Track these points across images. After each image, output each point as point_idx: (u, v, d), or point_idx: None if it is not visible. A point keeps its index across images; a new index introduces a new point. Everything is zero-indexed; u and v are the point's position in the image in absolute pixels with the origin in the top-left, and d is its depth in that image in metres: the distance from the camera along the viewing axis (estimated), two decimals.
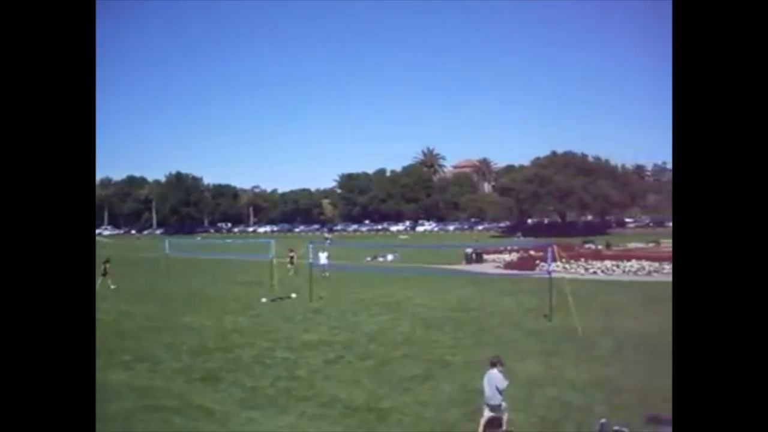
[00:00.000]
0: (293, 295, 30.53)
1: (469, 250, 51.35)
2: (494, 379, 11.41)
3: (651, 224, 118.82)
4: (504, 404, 11.43)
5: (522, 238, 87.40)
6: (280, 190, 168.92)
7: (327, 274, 38.50)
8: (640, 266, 38.65)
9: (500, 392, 11.31)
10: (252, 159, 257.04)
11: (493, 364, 11.63)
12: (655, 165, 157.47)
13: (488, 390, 11.40)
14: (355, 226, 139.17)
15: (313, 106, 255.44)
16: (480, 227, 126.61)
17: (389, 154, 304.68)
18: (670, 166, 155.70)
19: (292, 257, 41.44)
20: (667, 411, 12.55)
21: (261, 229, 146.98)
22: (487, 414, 11.42)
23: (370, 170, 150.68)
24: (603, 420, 11.59)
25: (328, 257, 41.22)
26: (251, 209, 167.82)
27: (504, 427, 11.42)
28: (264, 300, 29.37)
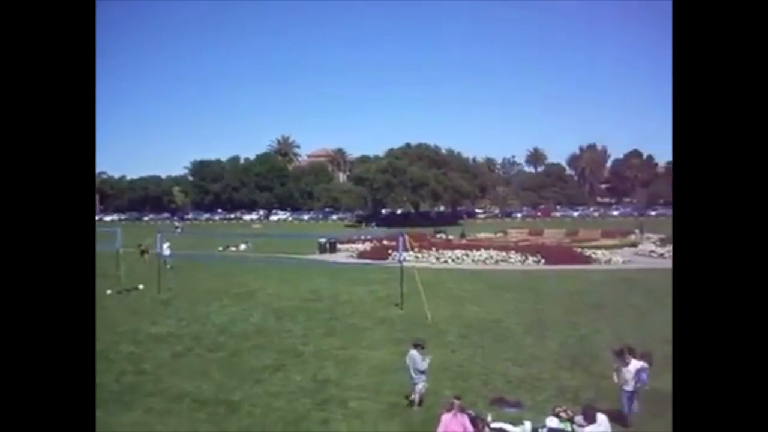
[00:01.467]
0: (140, 287, 29.41)
1: (322, 240, 51.37)
2: (415, 359, 12.49)
3: (500, 215, 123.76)
4: (421, 384, 12.51)
5: (375, 228, 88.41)
6: (128, 177, 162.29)
7: (170, 266, 36.66)
8: (488, 255, 40.08)
9: (421, 372, 12.44)
10: (98, 144, 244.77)
11: (415, 346, 12.72)
12: (504, 159, 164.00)
13: (410, 369, 12.54)
14: (207, 215, 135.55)
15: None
16: (334, 217, 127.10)
17: (244, 141, 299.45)
18: (519, 160, 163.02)
19: (144, 249, 39.98)
20: (510, 393, 13.16)
21: (107, 218, 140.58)
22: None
23: (224, 157, 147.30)
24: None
25: (170, 247, 39.23)
26: (97, 197, 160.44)
27: (416, 401, 12.51)
28: (109, 292, 28.07)
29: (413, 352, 12.67)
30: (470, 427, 7.69)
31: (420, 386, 12.57)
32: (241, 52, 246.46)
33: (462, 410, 9.74)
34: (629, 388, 11.63)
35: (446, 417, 8.83)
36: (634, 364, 11.71)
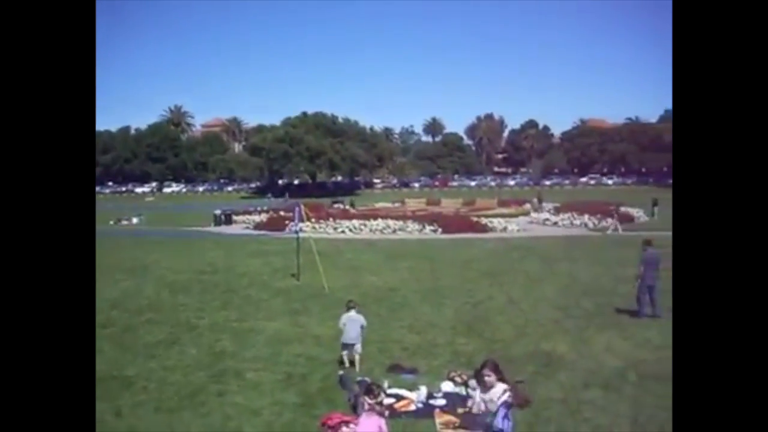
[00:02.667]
0: None
1: (218, 212, 50.48)
2: (356, 320, 12.82)
3: (398, 185, 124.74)
4: (359, 345, 12.80)
5: (272, 199, 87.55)
6: None
7: None
8: (385, 225, 40.36)
9: (362, 329, 12.85)
10: None
11: (350, 308, 13.00)
12: (403, 128, 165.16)
13: (352, 330, 12.73)
14: (97, 188, 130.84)
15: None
16: (230, 188, 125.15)
17: (135, 111, 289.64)
18: (417, 129, 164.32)
19: None
20: (406, 360, 13.28)
21: None
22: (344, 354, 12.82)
23: (113, 128, 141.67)
24: (341, 372, 12.05)
25: None
26: None
27: (357, 368, 12.56)
28: None
29: (352, 313, 12.93)
30: (385, 428, 7.72)
31: (357, 347, 12.82)
32: (131, 18, 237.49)
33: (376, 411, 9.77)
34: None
35: (363, 417, 8.85)
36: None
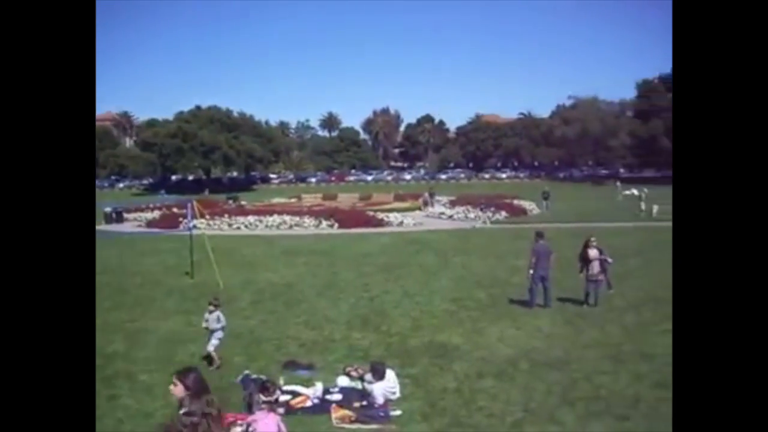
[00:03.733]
0: None
1: (108, 209, 48.61)
2: (221, 316, 12.75)
3: (294, 180, 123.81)
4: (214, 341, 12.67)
5: (166, 196, 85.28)
6: None
7: None
8: (282, 221, 40.06)
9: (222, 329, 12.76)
10: None
11: (216, 306, 12.85)
12: (299, 122, 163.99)
13: (218, 325, 12.67)
14: None
15: None
16: (121, 185, 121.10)
17: None
18: (313, 124, 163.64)
19: None
20: (302, 356, 13.20)
21: None
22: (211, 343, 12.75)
23: None
24: (246, 372, 11.84)
25: None
26: None
27: (216, 363, 12.51)
28: None
29: (218, 312, 12.80)
30: (282, 426, 7.64)
31: (217, 342, 12.69)
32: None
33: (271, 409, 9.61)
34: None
35: (258, 416, 8.71)
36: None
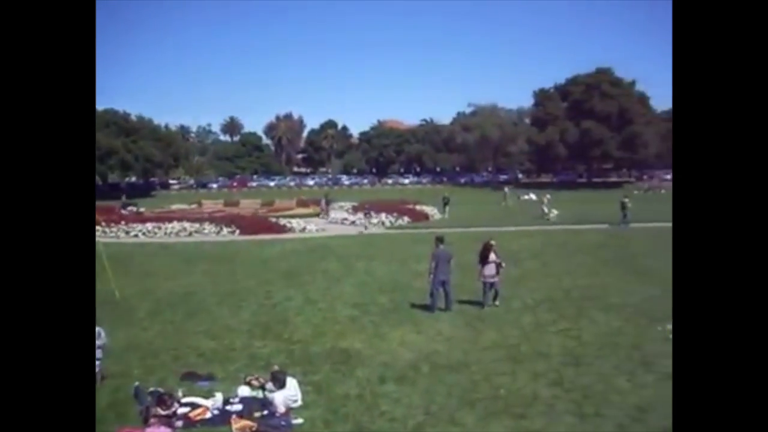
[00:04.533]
0: None
1: None
2: (101, 332, 12.10)
3: (195, 186, 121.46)
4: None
5: None
6: None
7: None
8: (181, 227, 39.15)
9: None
10: None
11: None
12: (199, 127, 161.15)
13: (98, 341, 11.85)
14: None
15: None
16: None
17: None
18: (214, 128, 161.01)
19: None
20: (202, 367, 12.93)
21: None
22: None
23: None
24: (137, 383, 11.47)
25: None
26: None
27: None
28: None
29: (99, 329, 12.09)
30: None
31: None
32: None
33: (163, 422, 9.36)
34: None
35: (151, 429, 8.46)
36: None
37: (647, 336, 14.26)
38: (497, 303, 17.47)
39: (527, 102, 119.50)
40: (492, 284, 17.46)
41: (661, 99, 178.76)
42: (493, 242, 17.88)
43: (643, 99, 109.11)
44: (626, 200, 40.75)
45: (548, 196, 49.62)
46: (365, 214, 44.08)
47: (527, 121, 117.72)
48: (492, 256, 17.45)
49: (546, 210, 45.76)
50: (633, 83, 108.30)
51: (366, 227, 40.51)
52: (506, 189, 72.09)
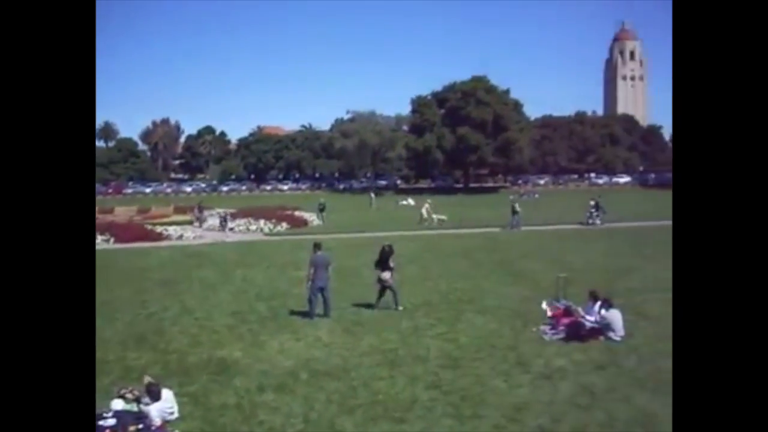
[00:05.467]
0: None
1: None
2: None
3: None
4: None
5: None
6: None
7: None
8: None
9: None
10: None
11: None
12: None
13: None
14: None
15: None
16: None
17: None
18: None
19: None
20: None
21: None
22: None
23: None
24: None
25: None
26: None
27: None
28: None
29: None
30: None
31: None
32: None
33: None
34: None
35: None
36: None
37: (522, 337, 14.77)
38: (400, 307, 17.75)
39: (405, 109, 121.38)
40: (390, 287, 17.75)
41: (533, 105, 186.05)
42: (388, 245, 18.21)
43: (517, 106, 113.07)
44: (516, 204, 42.71)
45: (429, 201, 50.61)
46: (221, 221, 43.83)
47: (405, 127, 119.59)
48: (391, 261, 17.75)
49: (426, 215, 46.56)
50: (507, 91, 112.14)
51: (224, 231, 40.43)
52: (372, 194, 73.46)
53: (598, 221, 42.86)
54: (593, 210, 43.55)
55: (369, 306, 17.89)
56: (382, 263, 17.75)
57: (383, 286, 17.75)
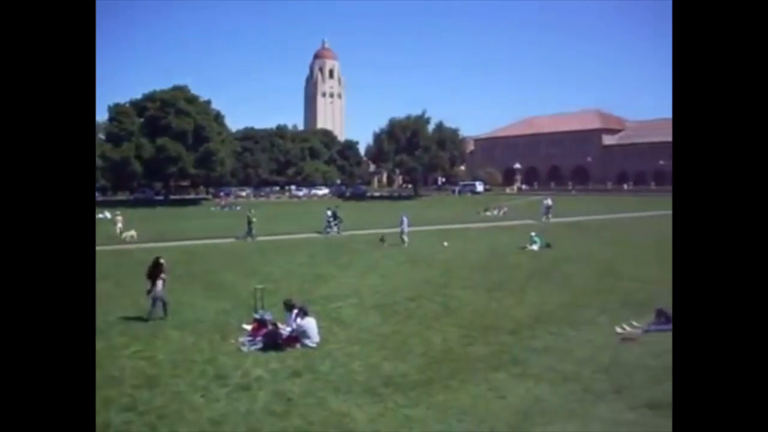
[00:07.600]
0: None
1: None
2: None
3: None
4: None
5: None
6: None
7: None
8: None
9: None
10: None
11: None
12: None
13: None
14: None
15: None
16: None
17: None
18: None
19: None
20: None
21: None
22: None
23: None
24: None
25: None
26: None
27: None
28: None
29: None
30: None
31: None
32: None
33: None
34: None
35: None
36: None
37: (221, 350, 14.71)
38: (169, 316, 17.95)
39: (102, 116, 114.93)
40: (160, 299, 18.03)
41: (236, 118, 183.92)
42: (162, 259, 18.39)
43: (218, 118, 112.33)
44: (251, 214, 43.64)
45: (118, 214, 49.24)
46: None
47: (102, 136, 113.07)
48: (162, 273, 17.92)
49: (119, 230, 44.89)
50: (209, 102, 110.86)
51: None
52: None
53: (335, 230, 44.44)
54: (331, 219, 45.09)
55: None
56: (154, 276, 18.00)
57: (154, 298, 18.08)
